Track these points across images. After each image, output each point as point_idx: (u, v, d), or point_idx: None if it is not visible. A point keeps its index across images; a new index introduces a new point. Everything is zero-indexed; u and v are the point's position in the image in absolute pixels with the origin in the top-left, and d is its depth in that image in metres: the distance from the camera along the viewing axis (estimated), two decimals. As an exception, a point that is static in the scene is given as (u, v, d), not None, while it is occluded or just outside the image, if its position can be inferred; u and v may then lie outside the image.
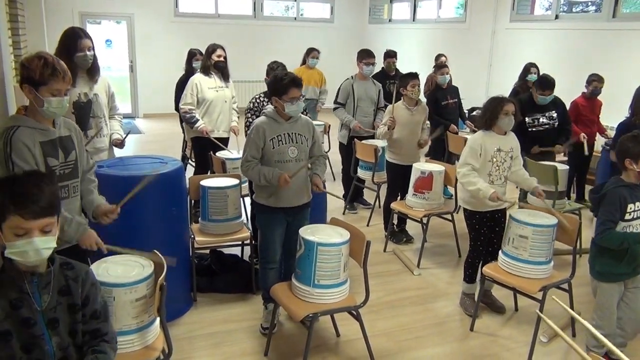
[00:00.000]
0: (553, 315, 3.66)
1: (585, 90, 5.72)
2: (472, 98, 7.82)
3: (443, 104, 6.10)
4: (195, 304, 3.74)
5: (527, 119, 4.69)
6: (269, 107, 3.30)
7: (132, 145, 8.14)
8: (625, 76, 6.33)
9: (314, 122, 6.70)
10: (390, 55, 6.83)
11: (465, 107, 7.04)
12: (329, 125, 7.03)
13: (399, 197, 4.87)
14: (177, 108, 6.16)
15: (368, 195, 6.04)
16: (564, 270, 3.63)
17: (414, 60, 10.34)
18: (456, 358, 3.28)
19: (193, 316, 3.61)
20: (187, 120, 5.12)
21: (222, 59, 5.04)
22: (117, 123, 3.91)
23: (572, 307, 3.50)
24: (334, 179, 6.97)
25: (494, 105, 3.46)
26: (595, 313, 2.98)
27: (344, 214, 5.71)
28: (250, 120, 3.93)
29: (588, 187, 6.03)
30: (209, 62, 5.05)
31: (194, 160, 5.95)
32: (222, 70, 5.08)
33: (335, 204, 5.85)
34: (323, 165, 3.42)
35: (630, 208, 2.75)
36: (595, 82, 5.67)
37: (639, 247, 2.80)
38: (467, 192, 3.57)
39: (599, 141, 6.02)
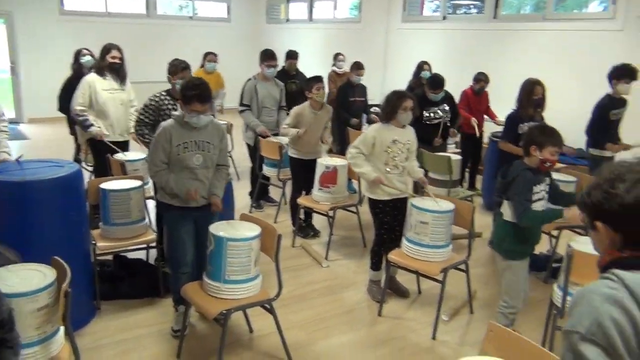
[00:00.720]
0: (452, 295, 3.92)
1: (473, 87, 6.12)
2: (369, 96, 8.09)
3: (351, 99, 6.31)
4: (99, 313, 3.58)
5: (424, 113, 4.95)
6: (180, 112, 3.20)
7: (17, 153, 7.55)
8: (506, 71, 6.85)
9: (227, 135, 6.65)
10: (292, 56, 6.91)
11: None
12: (231, 125, 6.97)
13: (303, 192, 4.95)
14: (61, 109, 5.84)
15: (274, 193, 6.07)
16: (461, 253, 3.88)
17: (313, 60, 10.52)
18: (366, 343, 3.40)
19: (98, 325, 3.45)
20: (79, 123, 4.86)
21: (117, 60, 4.82)
22: (4, 137, 3.63)
23: (469, 287, 3.77)
24: (239, 179, 6.93)
25: (395, 100, 3.64)
26: (506, 295, 3.16)
27: (250, 212, 5.69)
28: (142, 117, 3.80)
29: (479, 177, 6.53)
30: (103, 62, 4.82)
31: (89, 164, 5.68)
32: (117, 72, 4.87)
33: (242, 203, 5.84)
34: (223, 180, 3.36)
35: (535, 189, 2.99)
36: (482, 81, 6.10)
37: (537, 226, 3.07)
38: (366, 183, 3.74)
39: (488, 128, 6.45)
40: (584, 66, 6.48)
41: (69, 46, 6.95)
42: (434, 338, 3.42)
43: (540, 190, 2.96)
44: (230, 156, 7.04)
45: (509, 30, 7.43)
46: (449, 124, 5.20)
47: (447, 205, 3.51)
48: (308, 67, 9.97)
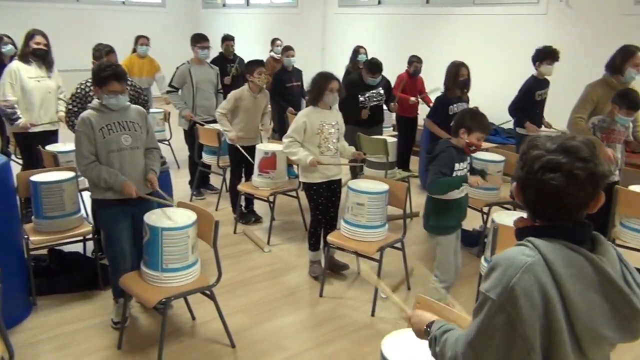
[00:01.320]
0: (391, 273, 4.06)
1: (408, 69, 6.28)
2: (308, 80, 8.15)
3: (287, 85, 6.32)
4: (35, 309, 3.49)
5: (360, 98, 5.04)
6: (95, 101, 3.13)
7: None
8: (439, 54, 7.03)
9: (152, 111, 6.55)
10: (228, 38, 6.86)
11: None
12: (169, 113, 6.86)
13: (243, 179, 4.97)
14: None
15: (214, 180, 6.05)
16: (398, 233, 4.01)
17: (250, 46, 10.44)
18: (308, 323, 3.49)
19: (34, 321, 3.37)
20: (6, 116, 4.67)
21: (41, 46, 4.64)
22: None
23: (405, 264, 3.91)
24: (179, 167, 6.85)
25: (321, 82, 3.71)
26: (437, 270, 3.31)
27: (191, 201, 5.66)
28: (71, 107, 3.71)
29: (415, 159, 6.73)
30: (27, 49, 4.63)
31: (18, 157, 5.47)
32: (42, 59, 4.69)
33: (183, 192, 5.80)
34: (158, 159, 3.32)
35: (457, 167, 3.13)
36: (415, 62, 6.27)
37: (462, 200, 3.22)
38: (301, 166, 3.81)
39: (423, 111, 6.65)
40: (511, 48, 6.75)
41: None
42: (373, 315, 3.55)
43: (462, 167, 3.11)
44: (169, 144, 6.97)
45: (441, 14, 7.63)
46: (383, 107, 5.33)
47: (382, 187, 3.62)
48: (246, 53, 9.88)
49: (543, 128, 5.39)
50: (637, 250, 3.80)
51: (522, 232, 1.33)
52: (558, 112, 5.15)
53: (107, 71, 2.99)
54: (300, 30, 9.84)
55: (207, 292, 3.05)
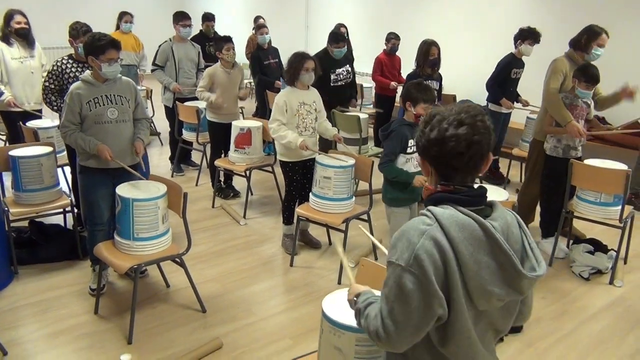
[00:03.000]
0: (359, 244, 4.25)
1: (386, 47, 6.37)
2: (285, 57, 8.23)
3: (265, 63, 6.41)
4: (17, 277, 3.67)
5: (331, 76, 5.15)
6: (86, 72, 3.27)
7: None
8: (421, 34, 7.10)
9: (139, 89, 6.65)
10: (209, 18, 6.91)
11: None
12: (151, 90, 6.97)
13: (222, 155, 5.11)
14: None
15: (195, 157, 6.19)
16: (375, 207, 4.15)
17: (234, 24, 10.50)
18: (278, 290, 3.68)
19: (15, 288, 3.54)
20: None
21: (22, 25, 4.73)
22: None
23: (372, 235, 4.09)
24: (162, 144, 6.98)
25: (296, 63, 3.81)
26: (390, 237, 3.51)
27: (172, 176, 5.81)
28: (47, 84, 3.83)
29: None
30: (7, 29, 4.72)
31: (2, 133, 5.59)
32: (25, 38, 4.79)
33: (164, 169, 5.95)
34: (146, 128, 3.47)
35: (411, 143, 3.29)
36: (393, 39, 6.37)
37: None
38: (280, 145, 3.94)
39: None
40: (488, 29, 6.87)
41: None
42: (339, 283, 3.74)
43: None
44: (152, 122, 7.08)
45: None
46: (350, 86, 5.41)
47: (347, 161, 3.78)
48: (229, 31, 9.94)
49: (517, 105, 5.56)
50: (591, 221, 4.01)
51: (427, 200, 1.45)
52: (531, 90, 5.32)
53: (103, 40, 3.12)
54: (284, 8, 9.90)
55: (178, 260, 3.22)
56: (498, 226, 1.36)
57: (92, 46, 3.14)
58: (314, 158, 4.05)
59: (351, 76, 5.32)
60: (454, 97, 6.59)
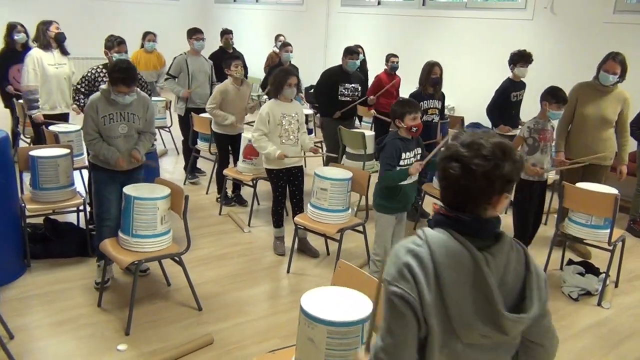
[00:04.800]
0: (356, 255, 4.41)
1: (386, 67, 6.51)
2: (310, 76, 8.47)
3: None
4: (29, 270, 3.90)
5: (340, 88, 5.36)
6: (106, 86, 3.52)
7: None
8: (431, 56, 7.29)
9: (155, 99, 6.96)
10: (227, 32, 7.22)
11: (305, 84, 7.68)
12: (170, 102, 7.25)
13: (231, 165, 5.34)
14: None
15: (206, 166, 6.41)
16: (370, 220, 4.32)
17: (257, 40, 10.83)
18: (272, 294, 3.86)
19: (27, 280, 3.78)
20: (27, 101, 5.08)
21: (61, 30, 5.10)
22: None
23: (367, 246, 4.24)
24: (178, 153, 7.24)
25: (280, 78, 4.10)
26: (375, 243, 3.71)
27: (185, 184, 6.05)
28: (78, 86, 4.13)
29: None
30: (47, 37, 5.04)
31: (27, 136, 5.92)
32: (63, 43, 5.14)
33: (180, 176, 6.20)
34: (147, 141, 3.71)
35: (404, 156, 3.47)
36: (391, 57, 6.49)
37: (408, 188, 3.56)
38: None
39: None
40: (500, 51, 7.00)
41: (1, 19, 7.06)
42: (332, 290, 3.89)
43: (410, 157, 3.46)
44: (169, 131, 7.38)
45: (436, 17, 7.92)
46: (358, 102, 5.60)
47: (344, 174, 3.95)
48: (252, 47, 10.28)
49: (516, 131, 5.67)
50: (582, 242, 4.11)
51: (433, 219, 1.44)
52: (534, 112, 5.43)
53: (119, 74, 3.32)
54: (304, 27, 10.19)
55: (177, 259, 3.42)
56: (493, 260, 1.35)
57: (110, 74, 3.42)
58: (300, 166, 4.27)
59: (359, 94, 5.52)
60: (461, 119, 6.73)
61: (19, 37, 5.92)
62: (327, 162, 5.18)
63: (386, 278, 1.37)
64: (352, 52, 5.42)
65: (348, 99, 5.45)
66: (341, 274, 2.43)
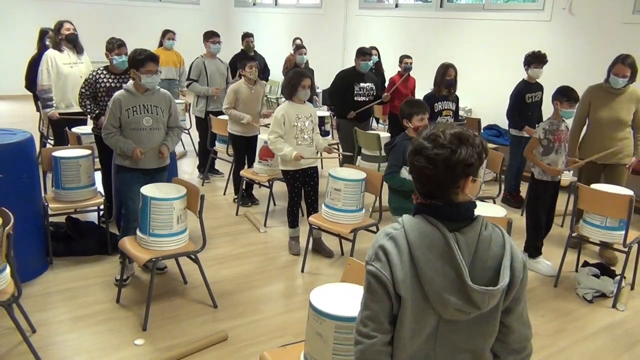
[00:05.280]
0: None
1: (400, 69, 6.53)
2: (329, 78, 8.51)
3: None
4: (51, 267, 4.03)
5: (355, 88, 5.41)
6: (129, 83, 3.68)
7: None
8: (450, 57, 7.29)
9: (176, 101, 7.10)
10: (248, 35, 7.35)
11: (324, 86, 7.72)
12: (189, 104, 7.38)
13: (247, 166, 5.43)
14: (27, 86, 6.20)
15: (224, 167, 6.51)
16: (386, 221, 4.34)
17: (276, 43, 10.93)
18: (286, 292, 3.92)
19: (49, 276, 3.90)
20: (42, 100, 5.26)
21: (72, 31, 5.24)
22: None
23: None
24: (197, 155, 7.35)
25: (295, 80, 4.17)
26: None
27: (202, 185, 6.16)
28: (83, 90, 4.24)
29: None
30: (58, 37, 5.22)
31: (50, 138, 6.07)
32: (74, 43, 5.28)
33: (195, 175, 6.30)
34: (176, 136, 3.86)
35: None
36: (405, 59, 6.51)
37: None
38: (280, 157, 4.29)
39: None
40: (516, 53, 6.97)
41: (34, 25, 7.27)
42: (346, 290, 3.94)
43: None
44: (189, 133, 7.50)
45: (453, 18, 7.92)
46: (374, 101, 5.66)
47: (358, 175, 4.00)
48: (271, 50, 10.38)
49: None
50: (596, 244, 4.09)
51: (414, 208, 1.56)
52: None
53: (143, 54, 3.55)
54: (323, 30, 10.26)
55: (192, 257, 3.51)
56: (463, 238, 1.46)
57: (134, 60, 3.57)
58: (315, 167, 4.34)
59: (374, 93, 5.57)
60: (478, 121, 6.71)
61: (49, 42, 6.09)
62: (342, 162, 5.23)
63: (366, 258, 1.53)
64: (364, 53, 5.50)
65: (364, 98, 5.52)
66: (351, 271, 2.47)
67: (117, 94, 3.63)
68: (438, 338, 1.51)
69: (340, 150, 4.41)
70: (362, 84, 5.48)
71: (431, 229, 1.46)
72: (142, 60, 3.53)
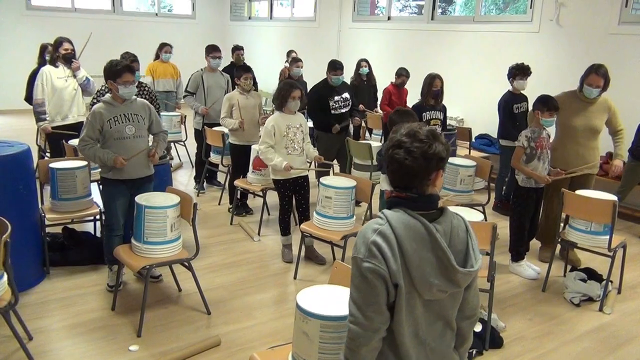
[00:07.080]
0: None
1: (395, 81, 6.68)
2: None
3: None
4: (48, 276, 4.09)
5: (330, 103, 5.45)
6: (107, 95, 3.75)
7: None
8: (441, 69, 7.40)
9: (170, 114, 7.21)
10: (238, 48, 7.50)
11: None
12: (185, 116, 7.48)
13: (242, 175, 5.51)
14: (27, 98, 6.33)
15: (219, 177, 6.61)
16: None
17: (271, 56, 11.08)
18: (279, 299, 3.99)
19: (46, 286, 3.97)
20: (36, 114, 5.37)
21: (69, 51, 5.37)
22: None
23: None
24: (193, 167, 7.45)
25: (285, 91, 4.28)
26: None
27: (198, 195, 6.24)
28: (95, 100, 4.37)
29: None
30: (56, 54, 5.35)
31: (48, 151, 6.16)
32: (69, 62, 5.42)
33: (191, 186, 6.38)
34: (162, 140, 3.93)
35: None
36: (403, 76, 6.69)
37: None
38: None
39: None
40: (506, 64, 7.09)
41: (34, 41, 7.41)
42: (337, 296, 4.01)
43: None
44: (184, 145, 7.60)
45: (445, 31, 8.07)
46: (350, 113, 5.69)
47: (348, 183, 4.09)
48: (266, 63, 10.52)
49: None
50: (582, 249, 4.17)
51: (389, 202, 1.71)
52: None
53: (120, 65, 3.62)
54: (317, 42, 10.41)
55: (186, 264, 3.58)
56: (441, 228, 1.63)
57: (110, 71, 3.60)
58: (306, 176, 4.44)
59: (350, 102, 5.59)
60: (469, 130, 6.83)
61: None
62: (318, 174, 5.33)
63: (358, 256, 1.63)
64: (335, 67, 5.45)
65: (343, 110, 5.54)
66: (337, 273, 2.56)
67: (96, 106, 3.67)
68: (421, 315, 1.68)
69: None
70: (336, 97, 5.48)
71: (413, 221, 1.62)
72: (119, 71, 3.55)
